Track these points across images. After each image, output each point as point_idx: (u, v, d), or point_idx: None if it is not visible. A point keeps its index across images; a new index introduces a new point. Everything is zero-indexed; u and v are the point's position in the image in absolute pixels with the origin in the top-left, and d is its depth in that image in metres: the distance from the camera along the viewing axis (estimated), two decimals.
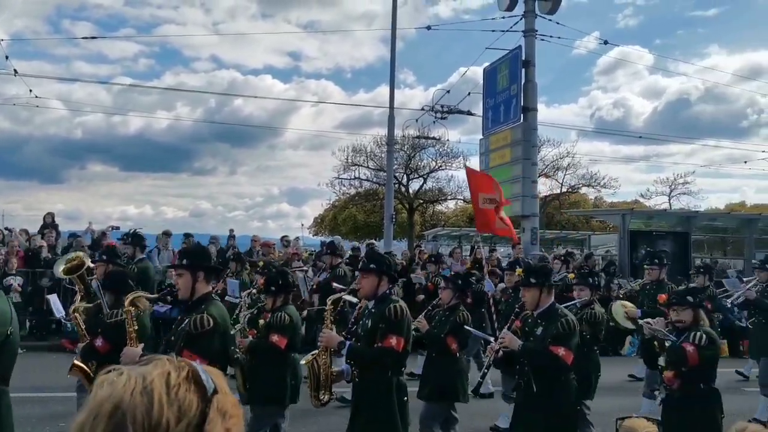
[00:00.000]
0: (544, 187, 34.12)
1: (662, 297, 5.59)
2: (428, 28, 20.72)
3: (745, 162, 33.99)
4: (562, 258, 11.06)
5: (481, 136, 17.86)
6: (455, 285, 6.14)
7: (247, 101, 63.21)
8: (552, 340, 4.59)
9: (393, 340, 4.32)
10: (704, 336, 4.65)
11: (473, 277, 9.06)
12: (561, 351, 4.53)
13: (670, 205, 37.10)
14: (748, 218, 18.20)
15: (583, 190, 37.12)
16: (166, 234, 12.95)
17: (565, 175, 35.56)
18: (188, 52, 70.01)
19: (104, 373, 1.07)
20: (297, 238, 16.22)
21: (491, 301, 8.32)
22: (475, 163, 26.14)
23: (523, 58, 15.85)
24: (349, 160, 33.23)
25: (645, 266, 8.77)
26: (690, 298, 4.90)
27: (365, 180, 34.19)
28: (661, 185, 39.12)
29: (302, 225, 43.62)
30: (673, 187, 38.43)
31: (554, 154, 34.30)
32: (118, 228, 13.20)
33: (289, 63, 66.80)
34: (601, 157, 59.80)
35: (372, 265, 4.63)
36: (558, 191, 36.23)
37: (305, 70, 69.27)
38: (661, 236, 16.38)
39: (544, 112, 57.05)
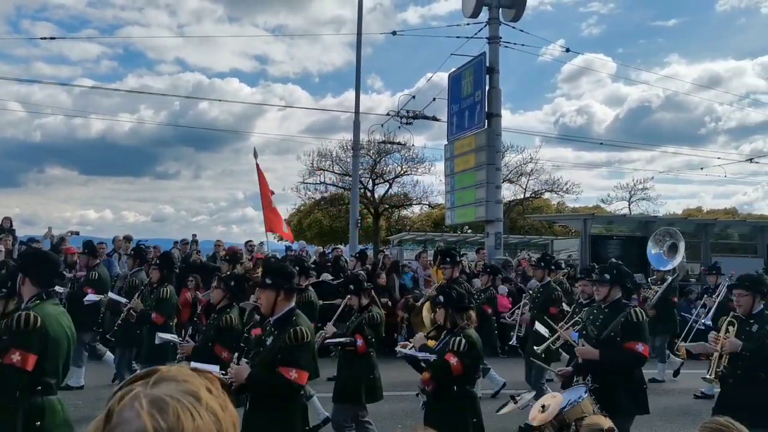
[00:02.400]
0: (508, 192, 34.62)
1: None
2: (393, 33, 20.91)
3: (702, 168, 35.11)
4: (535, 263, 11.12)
5: (446, 142, 18.00)
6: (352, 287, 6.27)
7: (212, 105, 62.35)
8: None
9: (293, 374, 3.83)
10: (463, 341, 4.59)
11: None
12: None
13: (629, 210, 38.00)
14: (704, 223, 18.72)
15: (546, 195, 37.74)
16: (127, 239, 12.74)
17: (528, 180, 36.10)
18: (152, 55, 68.92)
19: (127, 399, 0.95)
20: (261, 243, 16.07)
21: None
22: (440, 168, 26.39)
23: (488, 64, 16.05)
24: (315, 165, 33.15)
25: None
26: (440, 299, 4.94)
27: (331, 185, 34.14)
28: (621, 191, 40.09)
29: None
30: (632, 192, 39.40)
31: (518, 159, 34.83)
32: (77, 233, 12.92)
33: (256, 67, 66.33)
34: (565, 163, 61.18)
35: (267, 280, 4.10)
36: (521, 196, 36.74)
37: (272, 74, 68.86)
38: (621, 240, 16.72)
39: (509, 119, 58.07)
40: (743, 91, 56.92)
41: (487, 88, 16.01)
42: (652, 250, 11.38)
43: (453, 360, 4.52)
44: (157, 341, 6.35)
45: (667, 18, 69.80)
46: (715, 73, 59.63)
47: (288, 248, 15.10)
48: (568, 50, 19.90)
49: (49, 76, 68.22)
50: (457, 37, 17.26)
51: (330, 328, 6.29)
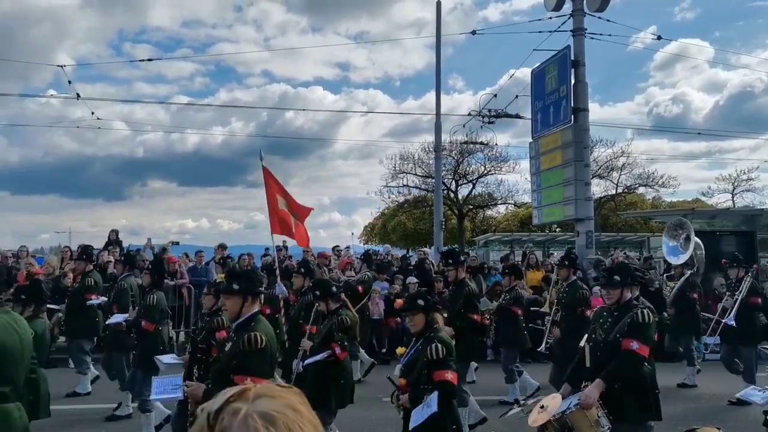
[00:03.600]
0: (598, 188, 33.39)
1: (399, 302, 5.38)
2: (473, 32, 20.63)
3: None
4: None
5: (531, 139, 17.58)
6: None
7: (298, 114, 64.30)
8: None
9: (246, 381, 3.64)
10: (440, 347, 4.39)
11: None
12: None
13: (733, 203, 35.65)
14: None
15: (640, 190, 36.09)
16: (222, 247, 13.32)
17: (620, 175, 34.66)
18: (241, 69, 72.07)
19: (239, 417, 0.99)
20: (348, 248, 16.32)
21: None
22: (525, 166, 25.78)
23: (572, 57, 15.54)
24: (397, 168, 33.30)
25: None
26: (420, 302, 4.63)
27: (413, 187, 34.20)
28: (723, 182, 37.66)
29: (352, 234, 43.91)
30: (736, 184, 36.94)
31: (608, 154, 33.52)
32: (177, 243, 13.56)
33: (339, 74, 67.84)
34: (660, 155, 58.22)
35: (234, 286, 4.06)
36: (613, 192, 35.31)
37: (354, 80, 70.10)
38: (725, 236, 15.70)
39: (597, 112, 56.02)
40: None
41: (572, 82, 15.50)
42: (669, 243, 10.56)
43: (449, 375, 4.32)
44: (161, 367, 6.24)
45: None
46: None
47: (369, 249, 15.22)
48: (659, 38, 18.97)
49: (149, 95, 72.67)
50: (539, 31, 16.86)
51: (306, 343, 6.14)
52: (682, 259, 10.07)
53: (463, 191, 34.41)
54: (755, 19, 63.91)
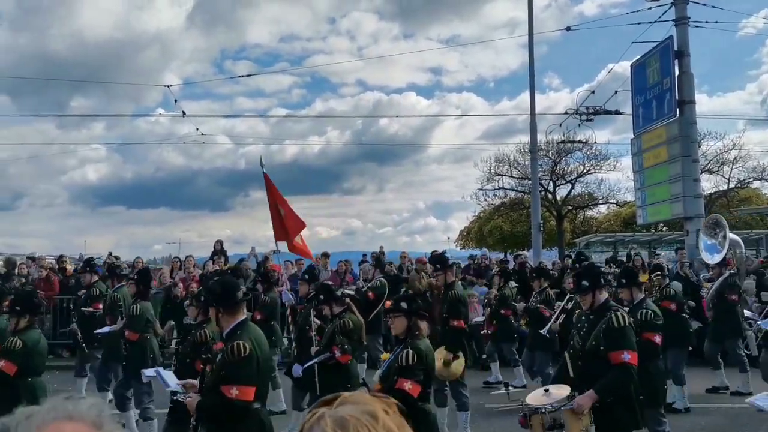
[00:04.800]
0: (708, 184, 31.37)
1: (388, 303, 4.98)
2: (567, 29, 20.09)
3: None
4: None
5: (632, 136, 16.88)
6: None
7: (391, 120, 65.23)
8: None
9: (233, 391, 3.74)
10: (410, 353, 4.26)
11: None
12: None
13: None
14: None
15: (755, 184, 33.61)
16: (325, 255, 13.69)
17: (732, 169, 32.44)
18: (335, 79, 74.02)
19: (320, 418, 1.10)
20: (444, 252, 16.33)
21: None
22: (626, 164, 24.75)
23: (675, 48, 14.79)
24: (492, 171, 32.92)
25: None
26: (403, 305, 4.43)
27: (509, 189, 33.66)
28: None
29: (448, 238, 43.75)
30: None
31: (718, 147, 31.47)
32: (279, 251, 14.08)
33: (431, 79, 68.13)
34: None
35: (202, 298, 4.16)
36: (725, 188, 33.10)
37: (447, 84, 70.11)
38: None
39: (704, 104, 52.75)
40: None
41: (676, 73, 14.75)
42: (707, 241, 9.59)
43: (407, 385, 4.18)
44: (144, 379, 6.23)
45: None
46: None
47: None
48: None
49: (249, 109, 76.09)
50: (638, 23, 16.15)
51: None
52: (718, 258, 9.34)
53: (562, 192, 33.50)
54: None
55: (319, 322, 6.61)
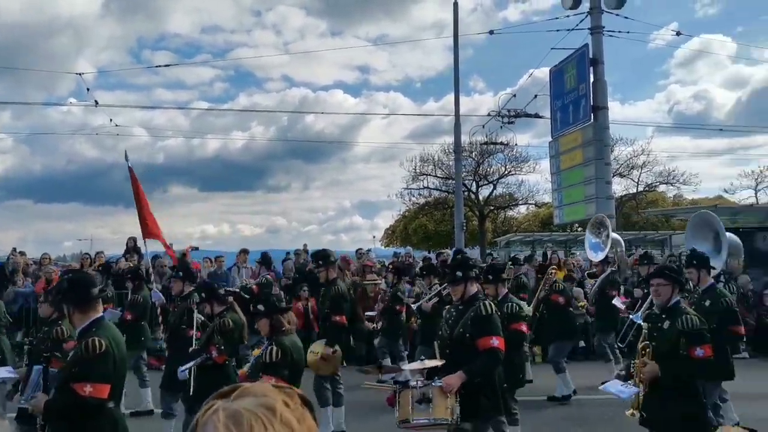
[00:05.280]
0: (619, 186, 33.06)
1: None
2: (491, 32, 20.64)
3: None
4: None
5: (551, 139, 17.53)
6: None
7: (318, 117, 64.63)
8: None
9: (87, 388, 3.61)
10: (274, 350, 4.32)
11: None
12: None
13: (756, 199, 35.06)
14: None
15: (661, 188, 35.72)
16: (243, 252, 13.46)
17: (641, 173, 34.31)
18: (260, 73, 72.54)
19: (213, 412, 1.04)
20: (369, 251, 16.39)
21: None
22: (545, 166, 25.64)
23: (591, 56, 15.47)
24: (418, 170, 33.32)
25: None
26: (260, 308, 4.56)
27: (434, 189, 34.17)
28: (746, 179, 37.03)
29: (374, 237, 44.00)
30: (759, 180, 36.31)
31: (629, 152, 33.22)
32: (197, 248, 13.71)
33: (359, 77, 68.04)
34: (682, 152, 57.45)
35: (59, 296, 4.02)
36: (634, 190, 34.96)
37: (375, 83, 70.29)
38: (749, 233, 15.49)
39: (617, 111, 55.49)
40: None
41: (591, 80, 15.43)
42: (591, 239, 10.34)
43: (272, 382, 4.12)
44: None
45: None
46: None
47: (395, 254, 15.28)
48: (678, 33, 18.86)
49: (169, 101, 73.54)
50: (558, 30, 16.80)
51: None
52: (601, 256, 9.93)
53: (484, 192, 34.34)
54: None
55: (202, 318, 6.38)
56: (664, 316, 4.65)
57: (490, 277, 6.26)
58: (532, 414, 7.72)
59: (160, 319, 8.18)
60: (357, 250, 15.00)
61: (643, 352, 4.67)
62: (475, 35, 62.45)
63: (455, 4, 18.38)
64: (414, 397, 4.42)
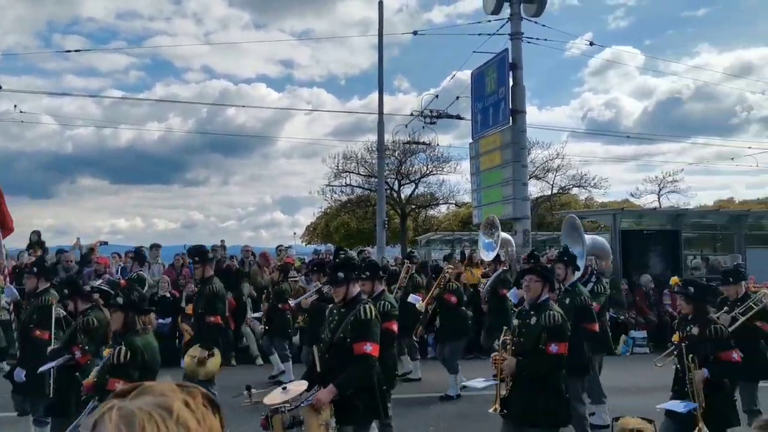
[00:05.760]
0: (535, 188, 34.30)
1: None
2: (415, 33, 20.86)
3: (733, 159, 34.37)
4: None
5: (471, 140, 17.89)
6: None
7: (239, 111, 63.40)
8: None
9: None
10: (123, 350, 4.16)
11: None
12: None
13: (659, 203, 37.28)
14: (737, 214, 18.30)
15: (574, 190, 37.31)
16: (155, 246, 12.94)
17: (555, 176, 35.72)
18: (179, 63, 70.17)
19: (107, 411, 0.99)
20: (290, 247, 16.19)
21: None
22: (466, 167, 26.15)
23: (510, 61, 15.89)
24: (340, 167, 33.25)
25: None
26: (120, 300, 4.41)
27: (357, 187, 34.21)
28: (650, 184, 39.37)
29: (294, 233, 43.53)
30: (662, 185, 38.68)
31: (545, 155, 34.49)
32: (106, 243, 13.10)
33: (283, 72, 67.12)
34: (593, 157, 60.19)
35: None
36: (549, 193, 36.35)
37: (299, 78, 69.53)
38: (652, 235, 16.44)
39: (535, 115, 57.73)
40: None
41: (510, 84, 15.86)
42: (484, 239, 10.95)
43: (118, 385, 3.86)
44: None
45: (697, 7, 68.70)
46: (747, 61, 58.50)
47: (316, 251, 15.17)
48: (591, 44, 19.73)
49: (80, 89, 69.96)
50: (479, 34, 17.15)
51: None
52: (492, 255, 10.36)
53: (406, 191, 34.70)
54: (684, 28, 67.25)
55: (64, 313, 6.06)
56: (532, 312, 4.78)
57: (367, 273, 6.19)
58: (421, 411, 7.87)
59: (13, 316, 7.64)
60: (277, 247, 14.78)
61: (505, 347, 4.81)
62: (400, 35, 63.08)
63: (380, 3, 18.48)
64: (284, 422, 4.25)
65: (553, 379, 4.65)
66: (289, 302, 9.31)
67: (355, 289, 4.80)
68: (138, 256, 11.84)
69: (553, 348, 4.56)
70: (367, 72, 62.56)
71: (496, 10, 16.28)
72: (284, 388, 4.48)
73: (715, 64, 60.81)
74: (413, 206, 35.12)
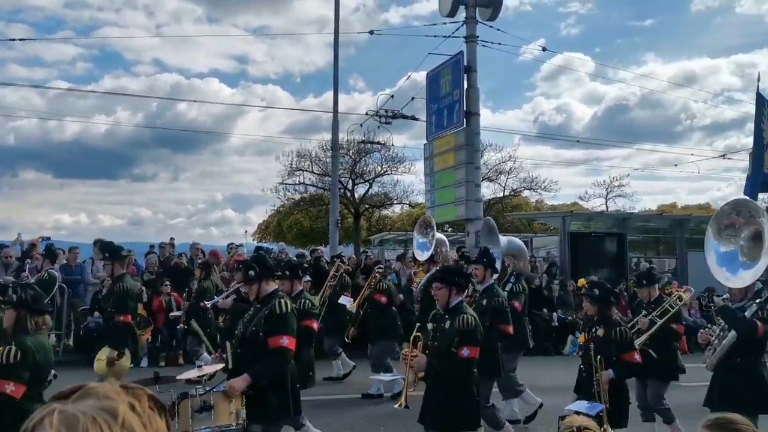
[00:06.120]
0: (488, 190, 34.70)
1: None
2: (371, 32, 20.86)
3: (676, 165, 35.64)
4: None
5: (426, 141, 17.99)
6: None
7: (191, 106, 62.12)
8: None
9: None
10: (13, 350, 4.04)
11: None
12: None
13: (606, 206, 38.32)
14: (679, 219, 18.96)
15: (525, 193, 37.94)
16: (100, 242, 12.51)
17: (507, 178, 36.26)
18: (129, 56, 68.54)
19: (47, 415, 0.93)
20: (241, 245, 15.92)
21: None
22: (420, 167, 26.33)
23: (465, 63, 16.05)
24: (294, 165, 32.92)
25: None
26: (13, 296, 4.35)
27: (310, 185, 33.93)
28: (598, 188, 40.46)
29: (245, 232, 42.94)
30: (609, 189, 39.79)
31: (497, 158, 34.96)
32: (48, 238, 12.60)
33: (237, 67, 66.22)
34: (544, 161, 61.52)
35: None
36: (501, 195, 36.89)
37: (253, 74, 68.67)
38: (599, 237, 16.86)
39: (489, 118, 58.53)
40: (718, 89, 58.21)
41: (465, 87, 16.01)
42: (419, 239, 11.20)
43: (9, 387, 3.84)
44: None
45: (644, 18, 71.12)
46: (691, 71, 60.91)
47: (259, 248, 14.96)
48: (544, 49, 20.06)
49: (23, 79, 67.35)
50: (435, 36, 17.26)
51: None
52: (427, 255, 10.55)
53: (360, 190, 34.60)
54: (632, 37, 69.53)
55: None
56: (446, 316, 4.84)
57: (287, 273, 6.19)
58: (346, 411, 7.86)
59: None
60: (228, 245, 14.52)
61: (415, 343, 4.87)
62: (357, 34, 63.05)
63: (336, 1, 18.35)
64: (193, 406, 4.17)
65: (465, 383, 4.68)
66: (205, 302, 9.14)
67: (269, 286, 4.75)
68: (49, 253, 11.32)
69: (465, 352, 4.59)
70: (322, 70, 62.50)
71: (452, 13, 16.42)
72: (199, 367, 4.46)
73: (660, 73, 63.19)
74: (367, 206, 35.08)
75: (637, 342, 6.09)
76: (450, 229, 31.76)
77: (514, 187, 36.84)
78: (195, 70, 73.88)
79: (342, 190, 30.64)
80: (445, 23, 16.87)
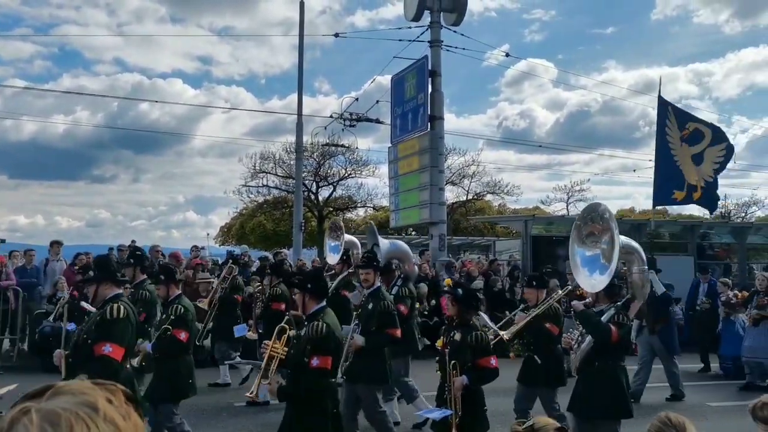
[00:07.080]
0: (451, 194, 34.99)
1: None
2: (336, 35, 20.85)
3: (635, 170, 36.57)
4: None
5: (390, 144, 18.04)
6: None
7: (153, 106, 61.00)
8: None
9: None
10: None
11: None
12: None
13: (567, 211, 39.03)
14: (638, 223, 19.41)
15: (488, 197, 38.37)
16: (56, 243, 12.21)
17: (471, 182, 36.62)
18: (89, 55, 67.10)
19: (22, 415, 0.89)
20: (203, 248, 15.72)
21: None
22: (384, 170, 26.39)
23: (430, 67, 16.16)
24: (257, 168, 32.65)
25: None
26: None
27: (274, 188, 33.69)
28: (560, 192, 41.17)
29: (207, 234, 42.32)
30: (570, 194, 40.52)
31: (461, 162, 35.29)
32: (3, 241, 12.25)
33: (200, 68, 65.37)
34: (507, 165, 62.34)
35: None
36: (464, 198, 37.23)
37: (217, 75, 67.89)
38: (561, 241, 17.14)
39: (454, 122, 59.12)
40: (676, 97, 59.94)
41: (429, 91, 16.12)
42: (330, 243, 11.35)
43: None
44: None
45: (605, 26, 72.90)
46: (650, 78, 62.46)
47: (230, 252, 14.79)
48: (507, 55, 20.40)
49: None
50: (400, 40, 17.36)
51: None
52: (337, 257, 10.67)
53: (324, 193, 34.52)
54: (594, 45, 71.14)
55: None
56: (305, 322, 4.71)
57: (162, 277, 6.06)
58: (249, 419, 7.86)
59: None
60: (192, 247, 14.31)
61: (279, 337, 4.82)
62: (323, 37, 62.91)
63: (301, 4, 18.31)
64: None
65: (315, 396, 4.43)
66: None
67: (110, 290, 4.50)
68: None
69: (315, 362, 4.38)
70: (287, 72, 62.25)
71: (417, 17, 16.52)
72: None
73: (621, 80, 64.86)
74: (331, 209, 34.99)
75: (507, 333, 6.24)
76: (414, 233, 31.93)
77: (478, 191, 37.25)
78: (158, 70, 72.75)
79: (306, 193, 30.50)
80: (410, 27, 16.98)
